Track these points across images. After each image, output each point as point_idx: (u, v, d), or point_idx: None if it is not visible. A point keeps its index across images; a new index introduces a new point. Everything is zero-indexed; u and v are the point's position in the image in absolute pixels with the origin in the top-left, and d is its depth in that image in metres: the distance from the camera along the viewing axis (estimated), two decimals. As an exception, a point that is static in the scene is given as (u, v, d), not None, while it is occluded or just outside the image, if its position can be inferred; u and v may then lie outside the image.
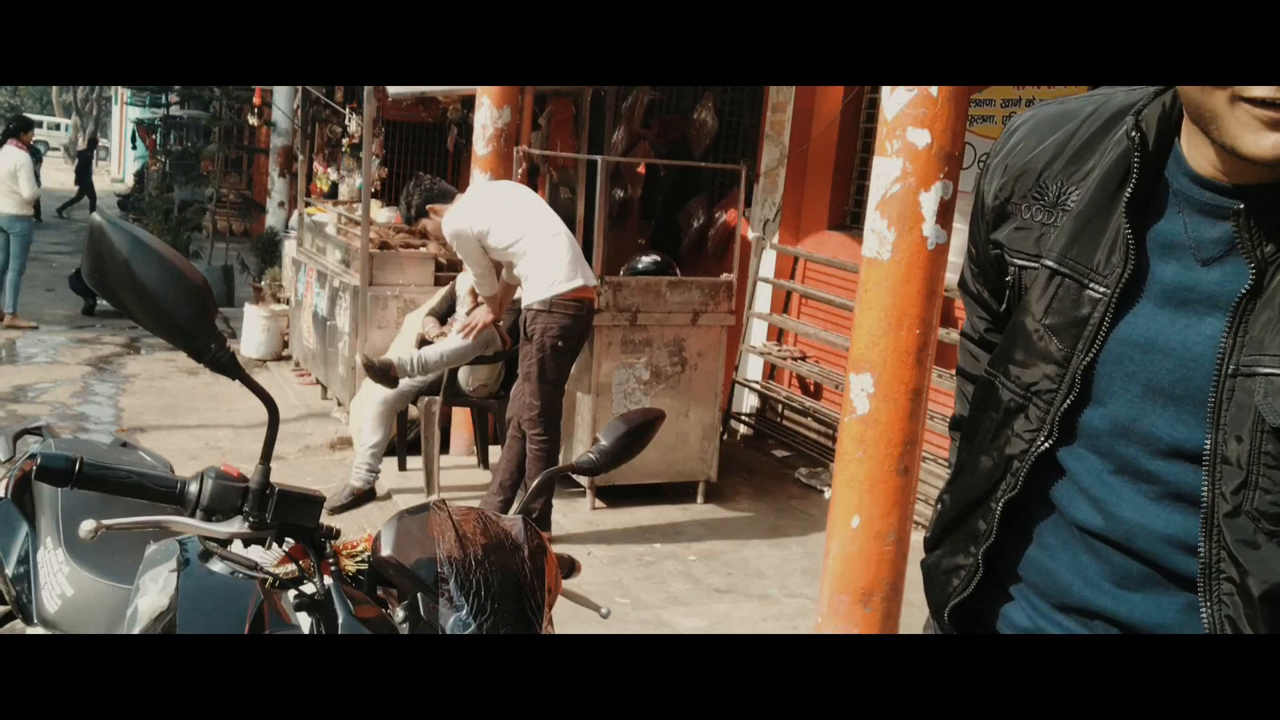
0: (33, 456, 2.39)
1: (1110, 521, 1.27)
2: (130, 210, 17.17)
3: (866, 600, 3.38)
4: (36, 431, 2.62)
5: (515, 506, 1.87)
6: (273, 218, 12.22)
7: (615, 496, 5.74)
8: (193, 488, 1.55)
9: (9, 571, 2.22)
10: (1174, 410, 1.20)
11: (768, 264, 7.19)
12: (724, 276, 5.85)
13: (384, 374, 5.40)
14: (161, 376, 8.32)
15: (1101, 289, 1.23)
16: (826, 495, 6.06)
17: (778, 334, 7.31)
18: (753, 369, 7.40)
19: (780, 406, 7.26)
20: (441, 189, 5.34)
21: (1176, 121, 1.22)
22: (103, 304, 10.47)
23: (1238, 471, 1.16)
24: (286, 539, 1.58)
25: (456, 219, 4.99)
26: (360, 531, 5.28)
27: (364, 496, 5.52)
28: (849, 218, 6.88)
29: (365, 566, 1.69)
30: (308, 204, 8.37)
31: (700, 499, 5.87)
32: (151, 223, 13.69)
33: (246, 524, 1.53)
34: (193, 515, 1.54)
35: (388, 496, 5.68)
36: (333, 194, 9.30)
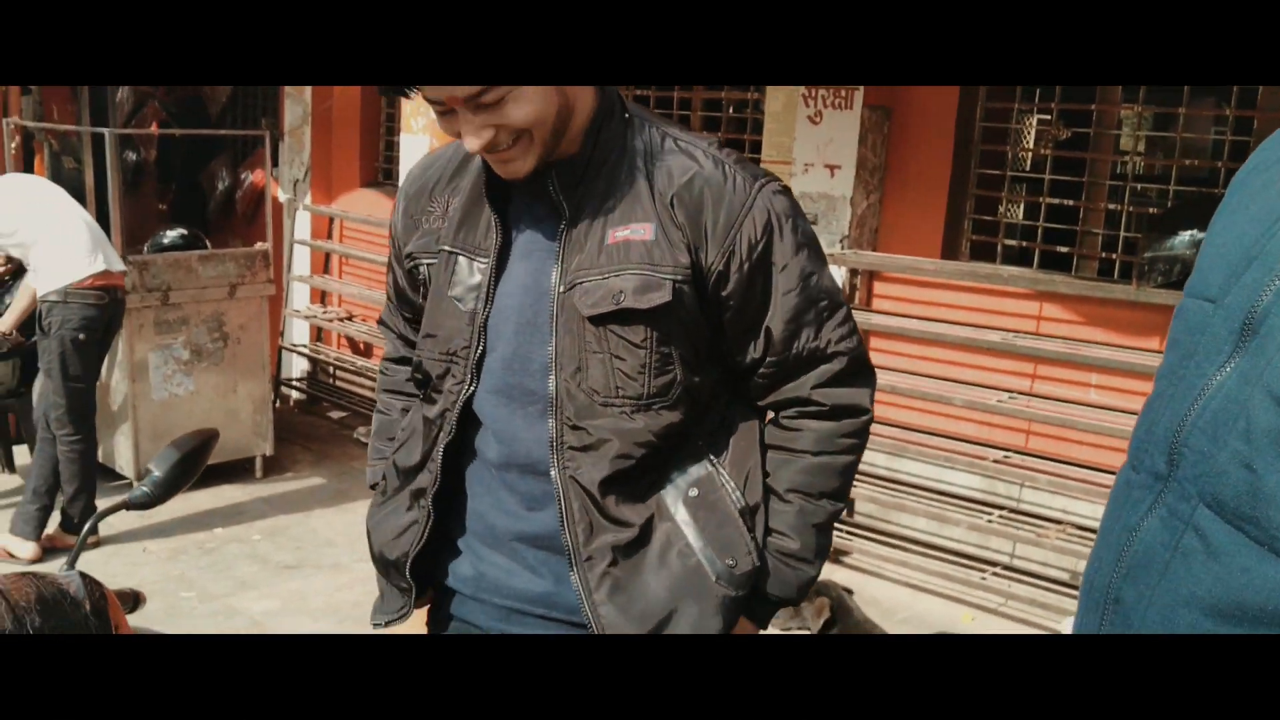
0: None
1: (513, 446, 1.59)
2: None
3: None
4: None
5: (68, 559, 1.80)
6: None
7: (166, 485, 5.47)
8: None
9: None
10: (538, 334, 1.56)
11: (303, 225, 7.05)
12: (259, 245, 5.69)
13: None
14: None
15: (484, 260, 1.59)
16: (387, 453, 6.12)
17: (321, 296, 7.21)
18: (299, 333, 7.26)
19: (331, 368, 7.20)
20: None
21: None
22: None
23: (572, 360, 1.53)
24: None
25: None
26: None
27: None
28: (382, 174, 6.88)
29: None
30: None
31: (259, 474, 5.74)
32: None
33: None
34: None
35: (-103, 522, 5.07)
36: None
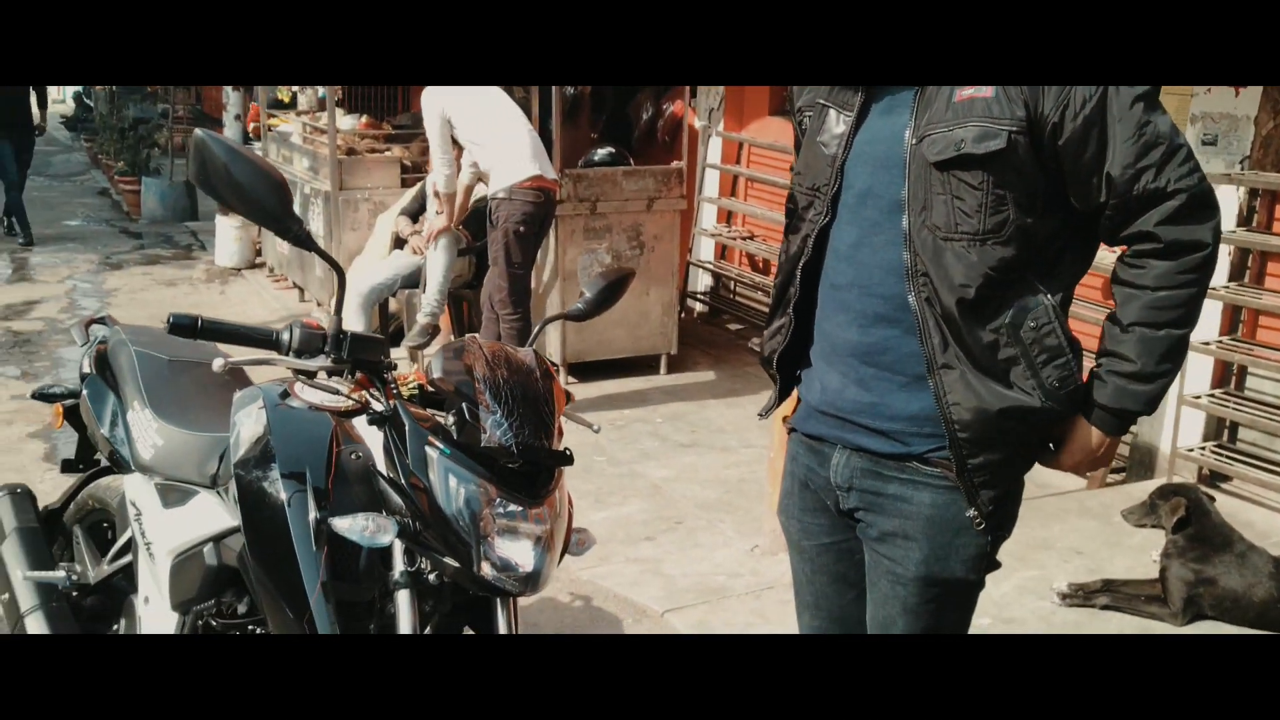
0: (103, 341, 2.86)
1: (858, 269, 1.91)
2: (81, 131, 17.20)
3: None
4: (100, 321, 3.07)
5: (529, 340, 2.38)
6: (230, 131, 12.40)
7: (585, 372, 6.27)
8: (285, 335, 2.02)
9: (104, 431, 2.70)
10: (890, 174, 1.86)
11: (714, 151, 7.64)
12: (675, 164, 6.31)
13: (431, 335, 5.88)
14: (142, 289, 8.67)
15: (849, 113, 1.92)
16: (778, 360, 6.61)
17: (726, 216, 7.79)
18: (705, 250, 7.90)
19: (732, 283, 7.79)
20: None
21: None
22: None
23: (919, 200, 1.82)
24: (358, 371, 2.06)
25: (430, 96, 5.43)
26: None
27: (356, 384, 6.00)
28: (789, 102, 7.31)
29: (415, 393, 2.19)
30: (271, 116, 8.66)
31: (663, 370, 6.41)
32: (107, 141, 13.83)
33: (329, 361, 2.02)
34: (286, 355, 2.02)
35: (377, 383, 6.15)
36: (292, 104, 9.59)
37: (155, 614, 2.44)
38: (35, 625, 2.65)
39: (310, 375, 2.05)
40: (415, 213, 6.49)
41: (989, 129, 1.76)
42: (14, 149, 10.22)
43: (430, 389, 2.16)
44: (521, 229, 5.30)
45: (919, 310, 1.85)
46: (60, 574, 2.75)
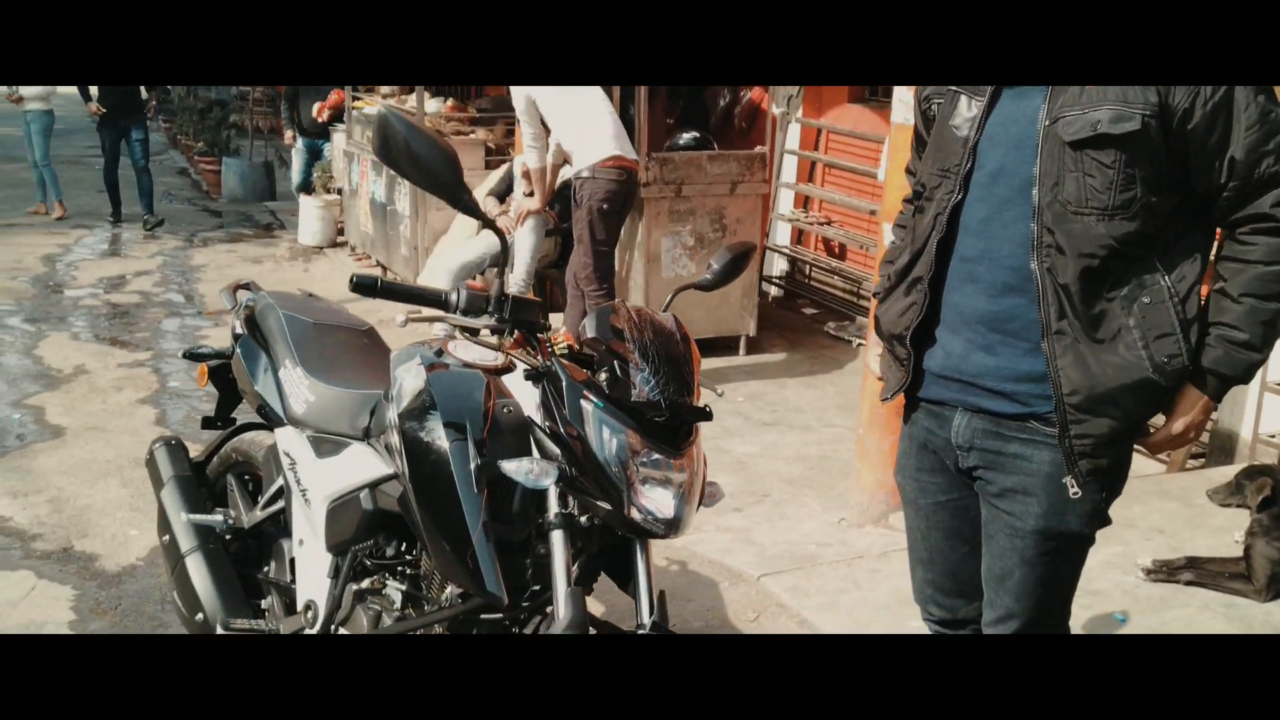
0: (249, 304, 3.06)
1: (989, 243, 2.05)
2: (160, 113, 17.60)
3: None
4: (245, 286, 3.27)
5: (663, 306, 2.54)
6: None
7: (666, 351, 6.43)
8: (453, 297, 2.20)
9: (257, 387, 2.90)
10: (1022, 154, 2.00)
11: (792, 137, 7.76)
12: (757, 149, 6.45)
13: None
14: (228, 266, 8.95)
15: (980, 97, 2.06)
16: (854, 345, 6.75)
17: (803, 201, 7.91)
18: (781, 235, 8.03)
19: (809, 268, 7.91)
20: None
21: None
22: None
23: (1051, 176, 1.96)
24: (515, 331, 2.24)
25: None
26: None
27: (446, 359, 6.22)
28: (868, 90, 7.42)
29: (564, 352, 2.36)
30: (355, 98, 8.90)
31: (742, 351, 6.56)
32: (186, 122, 14.20)
33: (492, 320, 2.20)
34: (454, 314, 2.20)
35: (466, 358, 6.37)
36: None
37: (310, 555, 2.64)
38: (195, 565, 2.87)
39: (475, 333, 2.23)
40: (502, 194, 6.69)
41: (1123, 111, 1.90)
42: (117, 135, 10.49)
43: (576, 349, 2.33)
44: (605, 206, 5.47)
45: (1039, 278, 1.98)
46: (218, 518, 2.96)
